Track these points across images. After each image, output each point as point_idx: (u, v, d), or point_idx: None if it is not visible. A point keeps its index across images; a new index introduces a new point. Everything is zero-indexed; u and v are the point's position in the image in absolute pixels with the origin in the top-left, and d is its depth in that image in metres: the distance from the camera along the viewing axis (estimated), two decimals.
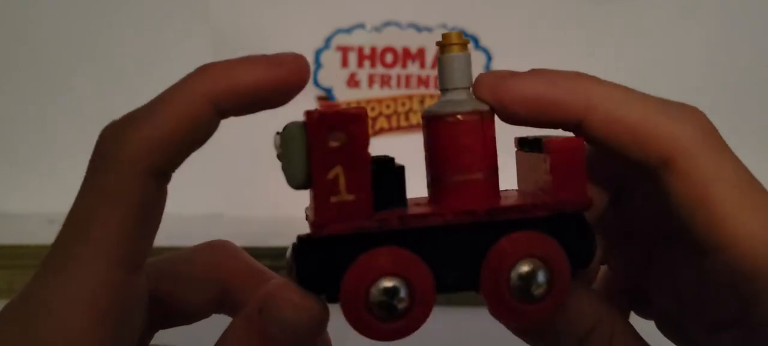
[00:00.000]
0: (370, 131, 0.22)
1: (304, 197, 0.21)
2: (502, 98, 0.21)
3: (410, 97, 0.69)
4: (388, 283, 0.19)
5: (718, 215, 0.19)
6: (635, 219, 0.24)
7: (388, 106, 0.69)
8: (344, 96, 0.68)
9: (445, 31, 0.23)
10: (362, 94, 0.69)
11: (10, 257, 0.53)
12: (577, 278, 0.21)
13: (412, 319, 0.20)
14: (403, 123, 0.68)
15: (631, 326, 0.22)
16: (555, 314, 0.20)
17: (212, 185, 0.63)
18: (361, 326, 0.19)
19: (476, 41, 0.68)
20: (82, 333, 0.18)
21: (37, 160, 0.68)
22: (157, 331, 0.24)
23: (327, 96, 0.68)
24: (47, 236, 0.66)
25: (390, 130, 0.69)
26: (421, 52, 0.68)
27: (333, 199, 0.19)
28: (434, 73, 0.68)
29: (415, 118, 0.68)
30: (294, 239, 0.21)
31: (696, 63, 0.68)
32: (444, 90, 0.22)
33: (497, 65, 0.68)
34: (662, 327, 0.25)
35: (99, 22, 0.67)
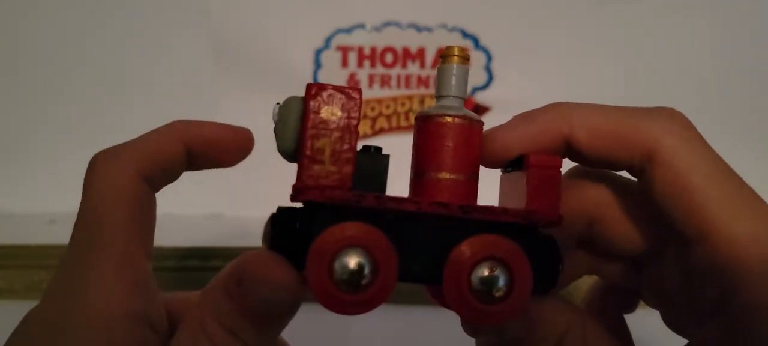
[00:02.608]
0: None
1: None
2: (493, 150, 0.23)
3: (410, 98, 0.69)
4: (352, 255, 0.20)
5: (698, 204, 0.20)
6: (618, 236, 0.24)
7: (388, 107, 0.69)
8: None
9: (448, 45, 0.24)
10: (362, 94, 0.69)
11: (10, 257, 0.53)
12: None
13: (372, 296, 0.20)
14: (403, 123, 0.68)
15: (602, 325, 0.23)
16: (514, 318, 0.21)
17: (212, 185, 0.63)
18: (322, 294, 0.20)
19: (476, 41, 0.68)
20: (118, 295, 0.21)
21: (37, 160, 0.68)
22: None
23: None
24: (47, 236, 0.65)
25: (390, 130, 0.69)
26: (421, 52, 0.68)
27: (316, 167, 0.20)
28: (434, 73, 0.69)
29: None
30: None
31: (696, 63, 0.68)
32: (439, 97, 0.23)
33: (497, 65, 0.68)
34: (665, 319, 0.26)
35: (99, 22, 0.67)
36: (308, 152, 0.20)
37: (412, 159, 0.23)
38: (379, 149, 0.23)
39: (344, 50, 0.68)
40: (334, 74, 0.68)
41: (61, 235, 0.60)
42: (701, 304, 0.22)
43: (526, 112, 0.23)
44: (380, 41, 0.68)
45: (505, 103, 0.68)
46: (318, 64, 0.68)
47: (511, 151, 0.22)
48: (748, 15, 0.67)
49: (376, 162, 0.22)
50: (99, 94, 0.67)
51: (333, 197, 0.20)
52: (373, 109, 0.69)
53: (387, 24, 0.68)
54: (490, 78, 0.69)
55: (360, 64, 0.68)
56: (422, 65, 0.68)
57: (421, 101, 0.68)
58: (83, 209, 0.22)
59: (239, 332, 0.21)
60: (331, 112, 0.21)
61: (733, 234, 0.20)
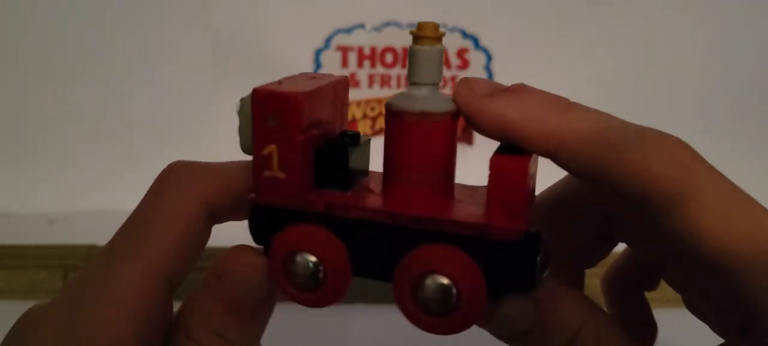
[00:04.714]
0: (348, 121, 0.23)
1: None
2: (475, 116, 0.21)
3: None
4: (301, 257, 0.21)
5: (710, 243, 0.19)
6: (637, 244, 0.24)
7: None
8: None
9: (421, 21, 0.21)
10: (362, 94, 0.69)
11: (10, 257, 0.53)
12: (550, 283, 0.21)
13: (327, 293, 0.21)
14: None
15: (617, 322, 0.22)
16: (467, 328, 0.20)
17: None
18: (284, 291, 0.21)
19: (476, 41, 0.68)
20: (118, 326, 0.20)
21: (37, 160, 0.68)
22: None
23: None
24: (47, 236, 0.65)
25: None
26: None
27: (266, 173, 0.21)
28: None
29: None
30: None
31: (695, 63, 0.68)
32: (410, 83, 0.21)
33: (497, 65, 0.68)
34: (688, 305, 0.26)
35: (99, 23, 0.67)
36: (257, 159, 0.21)
37: (383, 154, 0.22)
38: (342, 139, 0.22)
39: (344, 50, 0.68)
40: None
41: (61, 235, 0.60)
42: (730, 319, 0.21)
43: (523, 97, 0.21)
44: (380, 41, 0.68)
45: None
46: (318, 64, 0.68)
47: (493, 129, 0.20)
48: (748, 15, 0.67)
49: (332, 157, 0.21)
50: (99, 94, 0.67)
51: (283, 202, 0.21)
52: (373, 109, 0.69)
53: (387, 24, 0.68)
54: (490, 78, 0.69)
55: (360, 64, 0.68)
56: None
57: None
58: (135, 216, 0.22)
59: (224, 333, 0.21)
60: (275, 119, 0.20)
61: (756, 263, 0.18)
